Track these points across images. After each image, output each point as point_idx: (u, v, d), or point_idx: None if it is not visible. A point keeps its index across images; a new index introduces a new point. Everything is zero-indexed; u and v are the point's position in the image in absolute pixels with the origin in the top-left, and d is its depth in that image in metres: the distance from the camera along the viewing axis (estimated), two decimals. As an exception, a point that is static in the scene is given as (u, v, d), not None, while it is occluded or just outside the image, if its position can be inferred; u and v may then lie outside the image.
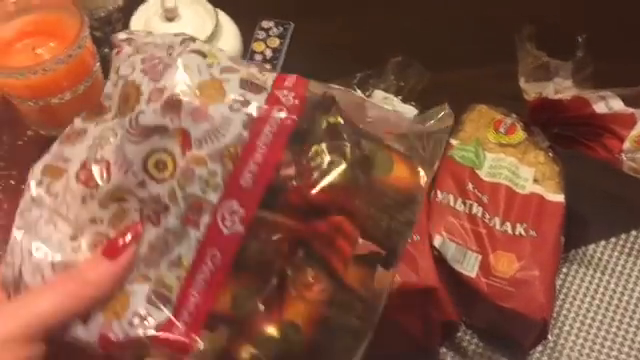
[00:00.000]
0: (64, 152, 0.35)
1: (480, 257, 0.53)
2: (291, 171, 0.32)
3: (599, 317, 0.58)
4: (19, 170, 0.62)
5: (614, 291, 0.59)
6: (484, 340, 0.57)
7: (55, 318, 0.31)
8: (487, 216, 0.54)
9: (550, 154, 0.57)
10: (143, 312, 0.32)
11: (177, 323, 0.32)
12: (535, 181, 0.56)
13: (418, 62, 0.65)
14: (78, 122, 0.36)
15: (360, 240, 0.33)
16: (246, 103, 0.33)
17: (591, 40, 0.54)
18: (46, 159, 0.35)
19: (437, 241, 0.54)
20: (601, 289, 0.59)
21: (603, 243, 0.62)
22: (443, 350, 0.57)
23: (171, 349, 0.32)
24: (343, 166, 0.33)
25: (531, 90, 0.57)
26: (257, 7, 0.78)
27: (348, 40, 0.76)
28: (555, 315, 0.57)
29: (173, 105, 0.32)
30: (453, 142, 0.59)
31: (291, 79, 0.35)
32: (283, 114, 0.33)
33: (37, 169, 0.35)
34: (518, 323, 0.52)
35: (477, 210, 0.54)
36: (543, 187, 0.55)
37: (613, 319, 0.58)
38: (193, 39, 0.36)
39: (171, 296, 0.32)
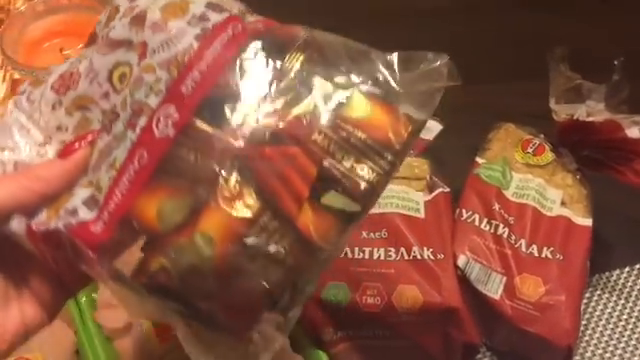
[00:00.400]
0: (51, 68, 0.37)
1: (505, 279, 0.52)
2: (236, 87, 0.32)
3: (622, 344, 0.57)
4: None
5: (638, 318, 0.58)
6: (503, 363, 0.56)
7: (2, 205, 0.32)
8: (513, 237, 0.53)
9: (578, 177, 0.57)
10: (73, 210, 0.33)
11: (97, 222, 0.32)
12: (563, 204, 0.55)
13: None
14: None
15: (332, 192, 0.32)
16: (204, 19, 0.33)
17: (628, 63, 0.53)
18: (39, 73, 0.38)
19: (461, 261, 0.53)
20: (625, 316, 0.58)
21: (627, 269, 0.61)
22: (461, 371, 0.56)
23: (84, 244, 0.32)
24: (307, 98, 0.32)
25: (562, 111, 0.56)
26: (276, 17, 0.78)
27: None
28: (577, 341, 0.56)
29: (139, 19, 0.34)
30: (479, 160, 0.58)
31: (282, 25, 0.35)
32: (238, 30, 0.33)
33: (27, 82, 0.37)
34: (541, 348, 0.51)
35: (503, 231, 0.54)
36: (571, 210, 0.55)
37: (636, 347, 0.57)
38: None
39: (100, 197, 0.33)
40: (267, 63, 0.33)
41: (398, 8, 0.81)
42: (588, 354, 0.56)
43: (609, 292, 0.59)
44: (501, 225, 0.54)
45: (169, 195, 0.32)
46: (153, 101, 0.32)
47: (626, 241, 0.61)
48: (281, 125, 0.32)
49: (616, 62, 0.52)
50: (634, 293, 0.59)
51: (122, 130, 0.33)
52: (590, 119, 0.53)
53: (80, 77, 0.35)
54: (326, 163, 0.32)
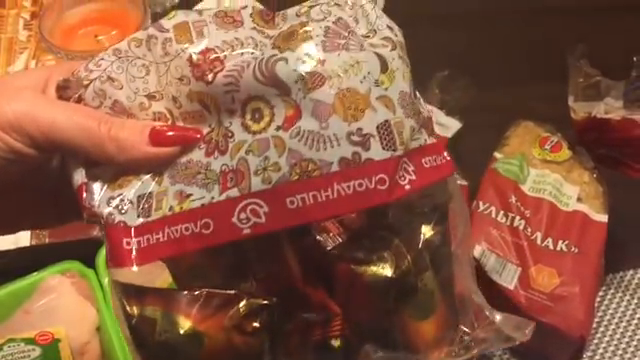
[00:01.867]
0: (205, 22, 0.31)
1: (520, 270, 0.53)
2: (338, 229, 0.30)
3: (634, 342, 0.57)
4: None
5: (651, 318, 0.59)
6: (516, 356, 0.56)
7: (63, 139, 0.30)
8: (529, 229, 0.54)
9: (595, 175, 0.57)
10: (124, 202, 0.31)
11: (132, 241, 0.30)
12: (579, 200, 0.56)
13: (466, 78, 0.66)
14: (247, 11, 0.32)
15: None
16: (364, 143, 0.28)
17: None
18: (190, 15, 0.31)
19: (477, 251, 0.54)
20: (638, 315, 0.59)
21: (642, 269, 0.61)
22: (474, 363, 0.56)
23: (110, 249, 0.30)
24: (383, 274, 0.29)
25: (580, 109, 0.57)
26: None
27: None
28: (589, 337, 0.57)
29: (314, 80, 0.29)
30: (497, 155, 0.59)
31: (440, 158, 0.31)
32: (381, 188, 0.28)
33: (176, 19, 0.31)
34: (554, 339, 0.51)
35: (519, 223, 0.55)
36: (587, 206, 0.55)
37: (649, 346, 0.57)
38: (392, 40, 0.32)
39: (152, 215, 0.30)
40: (385, 215, 0.30)
41: (415, 14, 0.83)
42: (600, 350, 0.57)
43: (622, 291, 0.60)
44: (517, 217, 0.55)
45: (210, 263, 0.30)
46: (256, 183, 0.29)
47: (641, 242, 0.62)
48: (342, 279, 0.29)
49: (635, 59, 0.53)
50: (648, 293, 0.60)
51: (215, 174, 0.30)
52: (607, 116, 0.54)
53: (220, 73, 0.30)
54: (351, 340, 0.30)
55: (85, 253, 0.58)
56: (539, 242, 0.54)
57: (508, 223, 0.55)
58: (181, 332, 0.29)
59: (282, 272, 0.30)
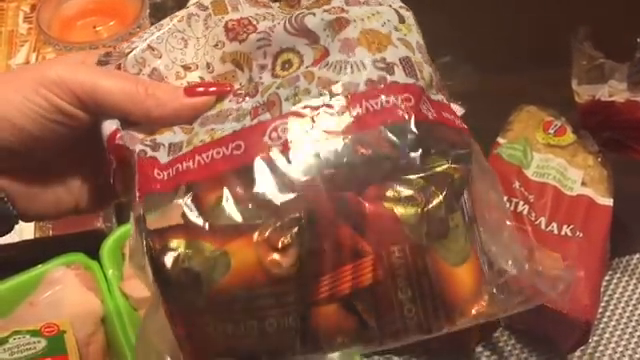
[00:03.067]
0: (239, 1, 0.35)
1: (524, 255, 0.52)
2: (367, 151, 0.29)
3: (641, 327, 0.57)
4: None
5: (657, 302, 0.58)
6: (521, 342, 0.56)
7: (105, 100, 0.32)
8: (533, 215, 0.54)
9: (599, 159, 0.57)
10: (157, 145, 0.32)
11: (163, 171, 0.31)
12: (583, 184, 0.55)
13: (467, 63, 0.65)
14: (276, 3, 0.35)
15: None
16: (389, 70, 0.30)
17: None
18: None
19: (481, 237, 0.53)
20: (644, 299, 0.59)
21: (648, 253, 0.61)
22: (479, 349, 0.56)
23: (139, 179, 0.31)
24: (413, 209, 0.29)
25: (584, 92, 0.56)
26: None
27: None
28: (596, 322, 0.57)
29: (339, 25, 0.32)
30: (500, 140, 0.59)
31: (455, 124, 0.32)
32: (407, 105, 0.30)
33: (210, 2, 0.35)
34: (560, 325, 0.51)
35: (523, 208, 0.54)
36: (592, 190, 0.55)
37: (655, 330, 0.57)
38: None
39: (182, 150, 0.31)
40: (407, 151, 0.29)
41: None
42: (606, 335, 0.57)
43: (629, 275, 0.60)
44: (521, 202, 0.54)
45: (235, 197, 0.29)
46: (286, 107, 0.30)
47: (647, 226, 0.61)
48: (373, 216, 0.29)
49: (639, 40, 0.52)
50: (654, 276, 0.60)
51: (247, 111, 0.31)
52: (612, 99, 0.54)
53: (253, 33, 0.33)
54: (383, 284, 0.29)
55: (89, 245, 0.58)
56: (543, 227, 0.53)
57: (512, 208, 0.54)
58: (206, 255, 0.29)
59: (306, 194, 0.29)
